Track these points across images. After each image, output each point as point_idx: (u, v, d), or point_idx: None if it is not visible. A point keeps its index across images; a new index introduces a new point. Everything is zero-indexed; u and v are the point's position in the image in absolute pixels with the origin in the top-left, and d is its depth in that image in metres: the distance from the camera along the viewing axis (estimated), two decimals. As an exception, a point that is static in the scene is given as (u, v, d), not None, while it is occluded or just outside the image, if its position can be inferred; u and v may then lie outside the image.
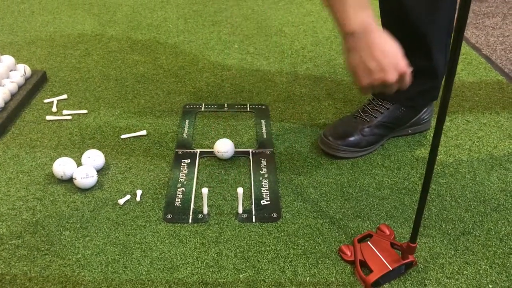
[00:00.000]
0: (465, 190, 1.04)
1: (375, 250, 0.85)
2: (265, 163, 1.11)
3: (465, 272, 0.86)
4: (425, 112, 1.20)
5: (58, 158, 1.05)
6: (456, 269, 0.86)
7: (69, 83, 1.41)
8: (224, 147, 1.10)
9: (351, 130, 1.12)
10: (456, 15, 0.66)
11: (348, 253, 0.86)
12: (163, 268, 0.85)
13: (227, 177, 1.06)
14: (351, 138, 1.11)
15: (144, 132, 1.19)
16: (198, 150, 1.14)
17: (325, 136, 1.12)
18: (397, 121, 1.16)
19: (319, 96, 1.38)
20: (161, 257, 0.87)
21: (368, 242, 0.87)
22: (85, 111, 1.28)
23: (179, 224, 0.94)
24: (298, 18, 1.88)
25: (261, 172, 1.08)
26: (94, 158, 1.05)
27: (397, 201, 1.01)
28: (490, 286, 0.83)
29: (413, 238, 0.80)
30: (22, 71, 1.34)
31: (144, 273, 0.84)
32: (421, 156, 1.14)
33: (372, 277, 0.80)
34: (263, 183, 1.05)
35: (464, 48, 1.64)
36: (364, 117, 1.14)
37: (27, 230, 0.92)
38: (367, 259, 0.84)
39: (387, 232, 0.90)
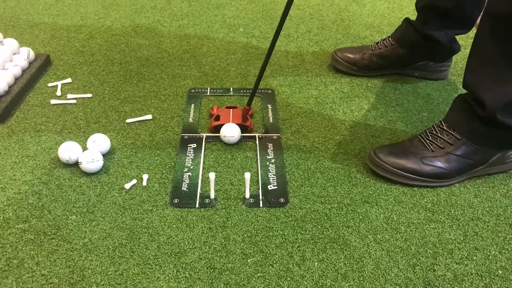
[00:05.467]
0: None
1: (230, 113, 1.15)
2: (272, 148, 1.09)
3: (474, 257, 0.85)
4: None
5: (63, 142, 1.04)
6: (466, 255, 0.86)
7: (73, 66, 1.39)
8: (230, 131, 1.09)
9: None
10: None
11: (214, 111, 1.18)
12: (170, 253, 0.84)
13: (233, 162, 1.06)
14: None
15: (149, 117, 1.18)
16: (204, 135, 1.13)
17: None
18: None
19: (325, 80, 1.36)
20: (168, 242, 0.86)
21: (231, 109, 1.17)
22: (89, 95, 1.26)
23: (186, 209, 0.93)
24: (303, 1, 1.85)
25: (268, 157, 1.07)
26: (99, 142, 1.04)
27: (405, 186, 1.00)
28: (500, 272, 0.83)
29: (249, 103, 1.12)
30: (25, 54, 1.32)
31: (151, 257, 0.83)
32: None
33: (215, 123, 1.13)
34: (270, 168, 1.04)
35: None
36: None
37: (34, 214, 0.91)
38: (221, 115, 1.15)
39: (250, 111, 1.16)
